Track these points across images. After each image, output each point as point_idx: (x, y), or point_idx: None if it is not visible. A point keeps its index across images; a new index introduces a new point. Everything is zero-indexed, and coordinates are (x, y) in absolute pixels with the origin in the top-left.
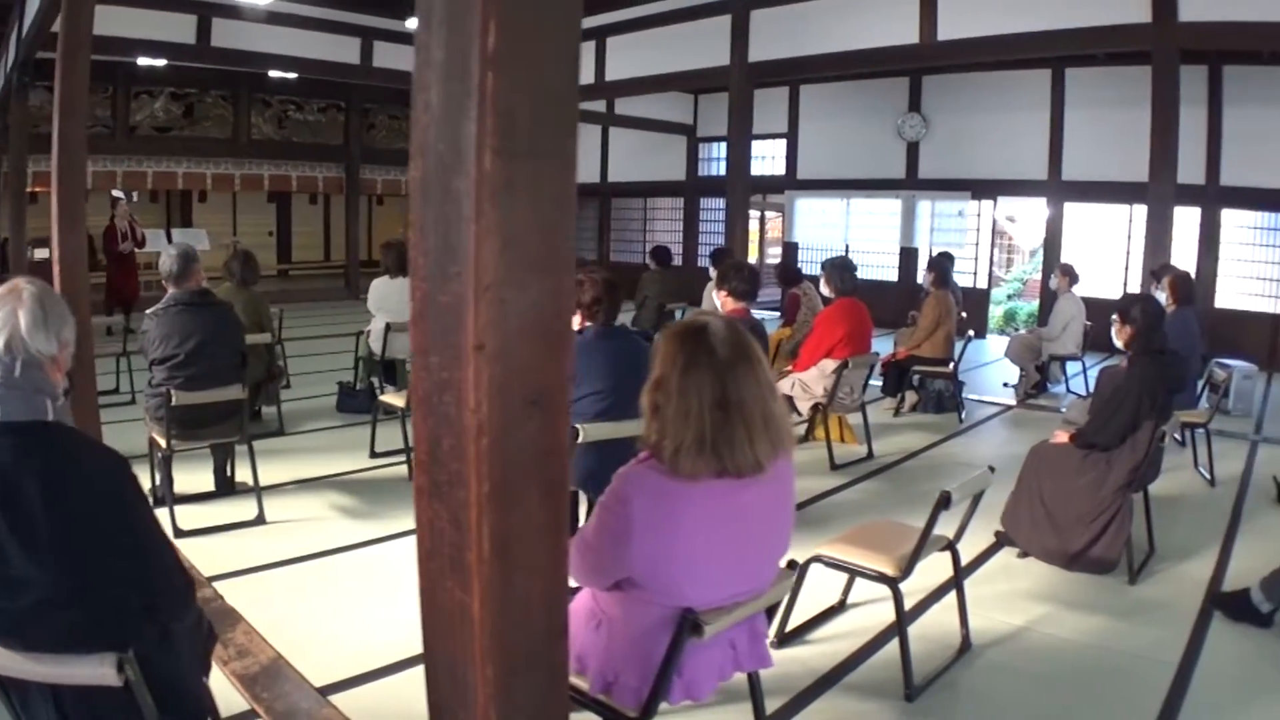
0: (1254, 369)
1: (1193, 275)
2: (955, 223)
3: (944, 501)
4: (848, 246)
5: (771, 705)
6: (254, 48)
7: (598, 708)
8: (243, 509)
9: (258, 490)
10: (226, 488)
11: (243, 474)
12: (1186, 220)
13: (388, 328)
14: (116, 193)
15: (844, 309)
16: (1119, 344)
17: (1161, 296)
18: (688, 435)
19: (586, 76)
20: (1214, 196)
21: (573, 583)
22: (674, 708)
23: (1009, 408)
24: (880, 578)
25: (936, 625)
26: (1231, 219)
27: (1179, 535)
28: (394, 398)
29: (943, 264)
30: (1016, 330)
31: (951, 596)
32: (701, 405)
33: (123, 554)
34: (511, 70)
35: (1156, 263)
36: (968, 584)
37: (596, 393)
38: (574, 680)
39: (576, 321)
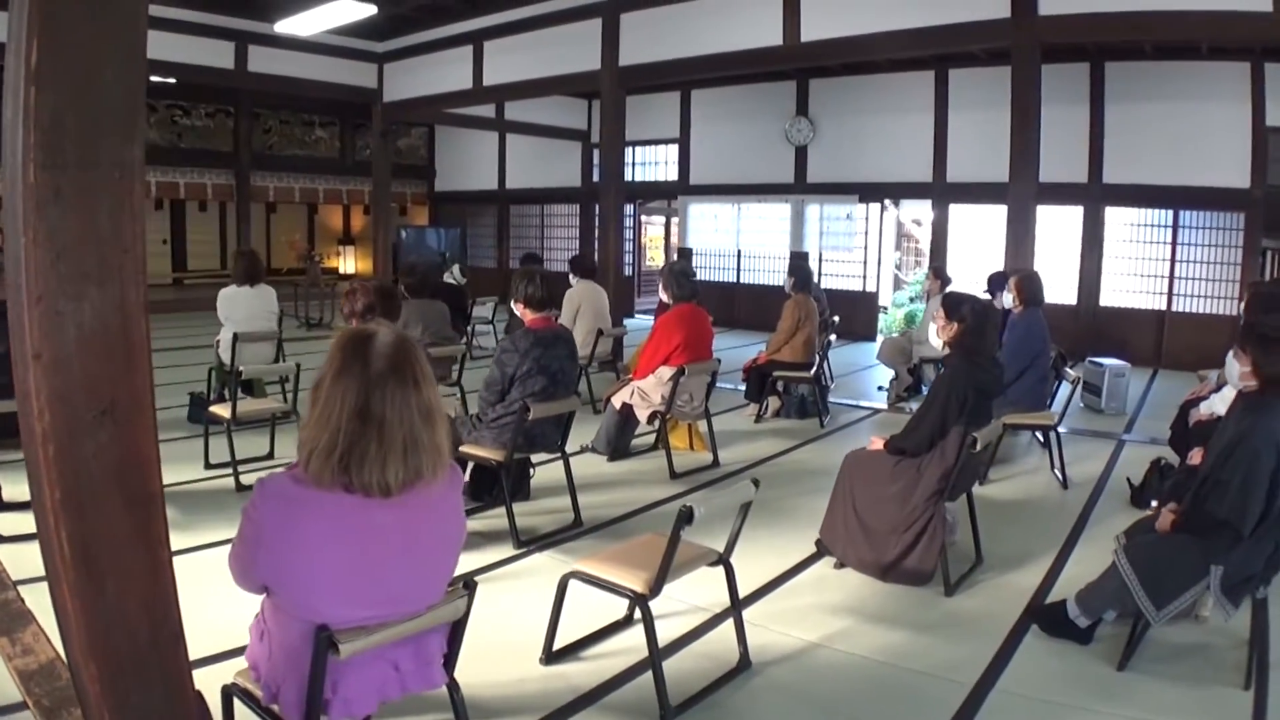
0: (1127, 367)
1: (1078, 274)
2: (844, 226)
3: (686, 517)
4: (740, 251)
5: None
6: None
7: (269, 717)
8: None
9: None
10: None
11: None
12: (1070, 219)
13: (235, 337)
14: None
15: (681, 315)
16: (940, 340)
17: (1008, 299)
18: (322, 439)
19: (464, 81)
20: (1097, 194)
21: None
22: None
23: (878, 411)
24: (632, 595)
25: (726, 640)
26: (1115, 216)
27: (1016, 542)
28: (222, 409)
29: (802, 267)
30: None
31: (754, 610)
32: (342, 412)
33: None
34: (57, 85)
35: (1019, 260)
36: (776, 595)
37: None
38: (251, 688)
39: None
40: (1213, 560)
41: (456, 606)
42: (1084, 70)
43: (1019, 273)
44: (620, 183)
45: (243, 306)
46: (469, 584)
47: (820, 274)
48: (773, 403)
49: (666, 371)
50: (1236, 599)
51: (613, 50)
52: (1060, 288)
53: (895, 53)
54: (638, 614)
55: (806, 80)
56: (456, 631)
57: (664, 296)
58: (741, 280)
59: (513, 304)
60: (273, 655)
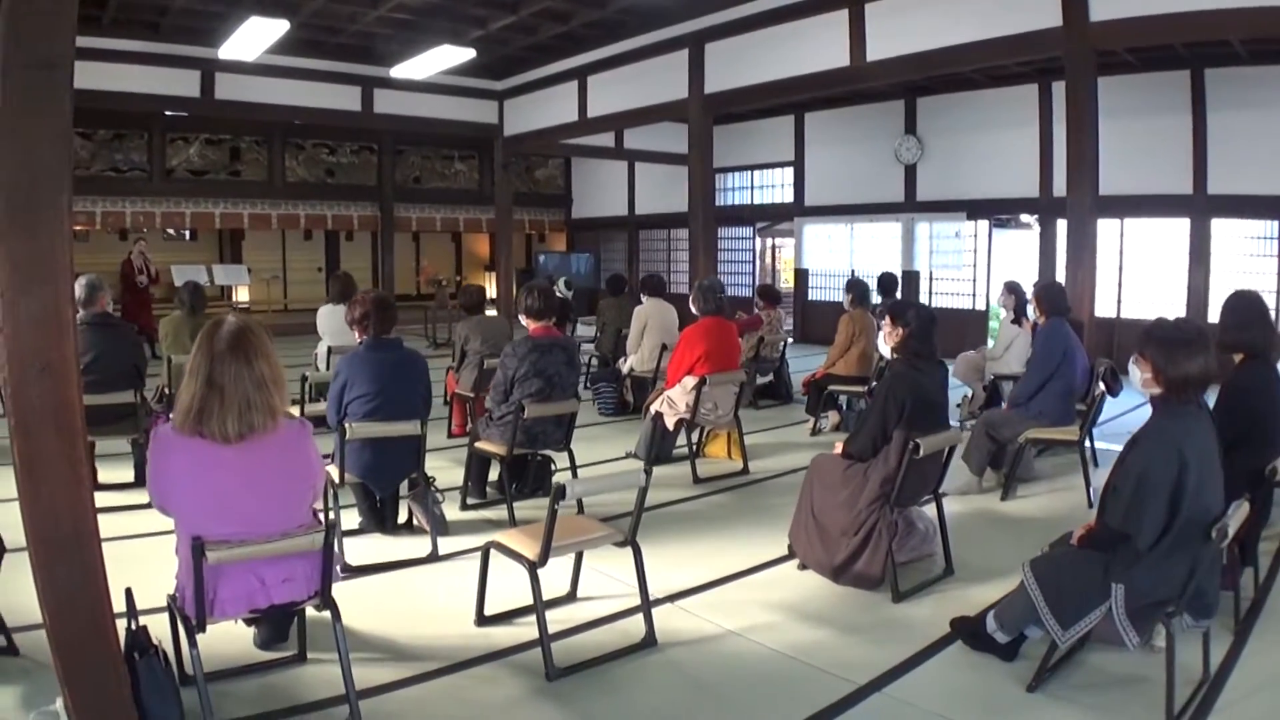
0: None
1: (1186, 288)
2: (953, 244)
3: (559, 494)
4: (853, 271)
5: (424, 667)
6: (256, 99)
7: (182, 616)
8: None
9: None
10: (143, 480)
11: None
12: (1177, 232)
13: (329, 350)
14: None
15: (705, 328)
16: (886, 347)
17: (1030, 311)
18: (184, 400)
19: (571, 114)
20: (1202, 206)
21: None
22: None
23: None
24: (526, 562)
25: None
26: (1223, 229)
27: (1001, 556)
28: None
29: (860, 284)
30: None
31: (697, 598)
32: (196, 381)
33: None
34: (12, 160)
35: (1079, 275)
36: (728, 588)
37: (363, 396)
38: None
39: (357, 335)
40: (1113, 579)
41: (314, 539)
42: (1184, 78)
43: (1040, 283)
44: (710, 206)
45: (335, 322)
46: (329, 525)
47: (931, 292)
48: (832, 416)
49: (690, 381)
50: (1144, 626)
51: (699, 79)
52: (1168, 303)
53: (951, 68)
54: (581, 590)
55: (914, 98)
56: (326, 563)
57: (694, 309)
58: None
59: (518, 314)
60: (181, 563)
